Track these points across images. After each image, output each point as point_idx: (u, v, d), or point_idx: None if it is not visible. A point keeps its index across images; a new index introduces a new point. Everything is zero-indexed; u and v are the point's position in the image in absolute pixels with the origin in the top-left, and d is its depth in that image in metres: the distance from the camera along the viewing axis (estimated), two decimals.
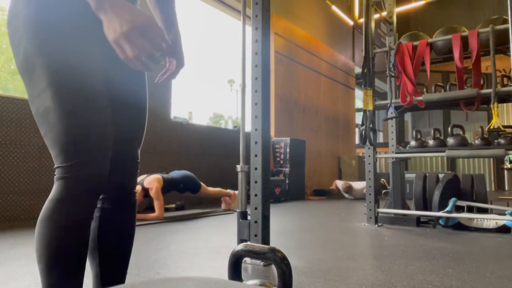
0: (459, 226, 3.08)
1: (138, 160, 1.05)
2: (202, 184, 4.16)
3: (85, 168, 0.84)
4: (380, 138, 11.22)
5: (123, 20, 0.72)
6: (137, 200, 3.59)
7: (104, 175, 0.87)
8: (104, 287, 1.00)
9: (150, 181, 3.62)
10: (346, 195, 6.68)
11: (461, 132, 3.40)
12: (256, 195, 1.94)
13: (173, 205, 4.23)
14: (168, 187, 3.77)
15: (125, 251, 1.03)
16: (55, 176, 0.86)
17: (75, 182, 0.83)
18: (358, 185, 6.61)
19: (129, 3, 0.76)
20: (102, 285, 1.00)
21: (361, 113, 3.10)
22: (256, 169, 1.96)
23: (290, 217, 3.85)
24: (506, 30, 2.80)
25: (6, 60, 3.86)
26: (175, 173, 4.01)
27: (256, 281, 1.15)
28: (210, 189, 4.25)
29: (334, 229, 3.13)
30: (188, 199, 4.45)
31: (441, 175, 3.62)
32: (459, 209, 3.15)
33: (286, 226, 3.25)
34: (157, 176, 3.72)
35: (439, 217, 3.12)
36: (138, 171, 1.05)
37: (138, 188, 3.63)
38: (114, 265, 1.02)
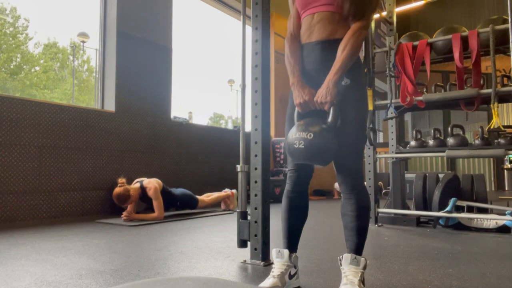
0: (459, 226, 3.08)
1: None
2: (199, 197, 4.17)
3: None
4: (380, 138, 11.21)
5: (294, 96, 1.48)
6: (133, 197, 3.57)
7: None
8: None
9: (149, 181, 3.62)
10: None
11: (461, 132, 3.40)
12: (256, 195, 1.94)
13: None
14: (166, 199, 3.74)
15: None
16: None
17: None
18: None
19: (301, 87, 1.45)
20: None
21: None
22: (256, 169, 1.96)
23: None
24: (506, 30, 2.80)
25: (6, 60, 3.85)
26: (174, 190, 4.02)
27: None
28: (207, 199, 4.26)
29: (334, 229, 3.13)
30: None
31: (441, 175, 3.61)
32: (459, 209, 3.15)
33: None
34: (157, 179, 3.73)
35: (439, 217, 3.12)
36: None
37: (137, 185, 3.61)
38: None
